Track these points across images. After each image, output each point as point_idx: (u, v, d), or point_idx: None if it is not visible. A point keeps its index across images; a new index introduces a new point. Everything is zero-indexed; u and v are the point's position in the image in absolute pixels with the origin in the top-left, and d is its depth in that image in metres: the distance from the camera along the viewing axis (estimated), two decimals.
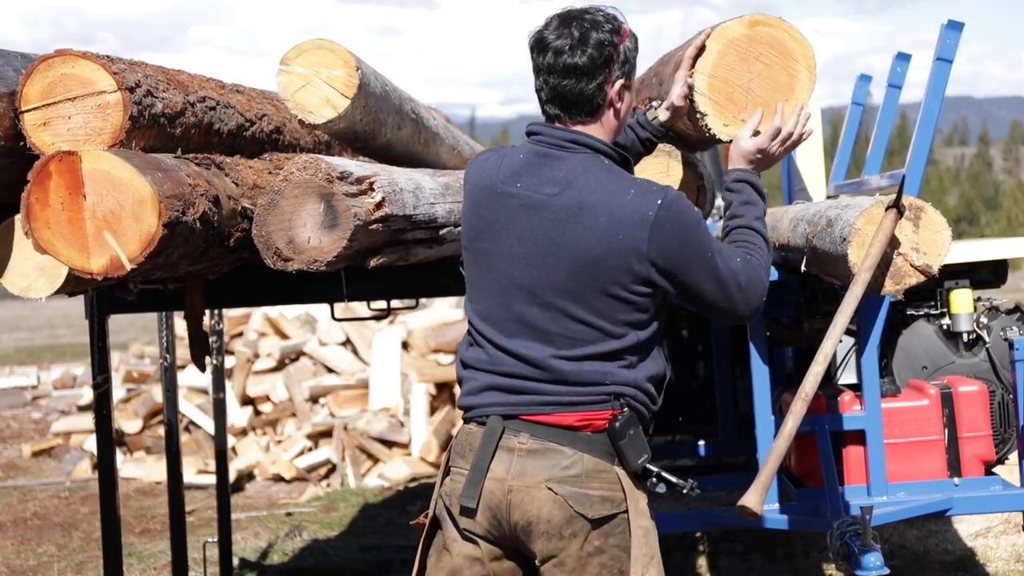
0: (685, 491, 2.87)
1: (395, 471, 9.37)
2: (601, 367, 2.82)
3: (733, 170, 3.13)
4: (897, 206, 3.29)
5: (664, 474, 2.86)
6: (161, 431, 9.06)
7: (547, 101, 2.85)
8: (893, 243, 3.31)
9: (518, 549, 2.87)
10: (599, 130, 2.85)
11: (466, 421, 2.92)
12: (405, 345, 10.56)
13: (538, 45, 2.83)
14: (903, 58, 5.82)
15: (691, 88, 3.23)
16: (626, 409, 2.83)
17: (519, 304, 2.81)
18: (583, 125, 2.84)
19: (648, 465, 2.86)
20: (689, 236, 2.78)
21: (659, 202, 2.75)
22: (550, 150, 2.84)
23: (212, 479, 7.80)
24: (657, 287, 2.79)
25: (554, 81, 2.81)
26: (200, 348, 3.90)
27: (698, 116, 3.19)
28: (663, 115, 3.27)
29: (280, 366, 10.48)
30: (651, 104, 3.30)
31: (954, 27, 4.52)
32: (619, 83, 2.84)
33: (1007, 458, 4.89)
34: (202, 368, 4.08)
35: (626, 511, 2.83)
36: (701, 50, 3.22)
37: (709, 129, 3.18)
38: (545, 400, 2.82)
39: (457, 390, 10.02)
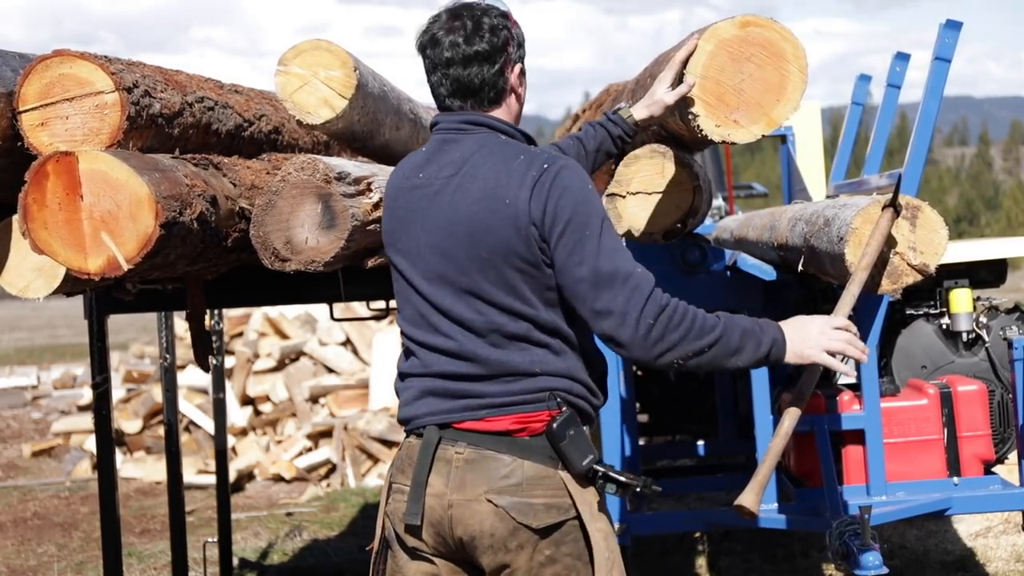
0: (639, 489, 2.75)
1: None
2: (527, 354, 2.71)
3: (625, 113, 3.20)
4: (894, 205, 3.28)
5: (612, 474, 2.74)
6: (161, 431, 9.06)
7: (449, 95, 2.80)
8: (890, 242, 3.31)
9: (470, 562, 2.77)
10: (504, 115, 2.82)
11: (406, 435, 2.83)
12: None
13: (431, 42, 2.80)
14: (902, 58, 5.82)
15: (691, 87, 3.21)
16: (564, 408, 2.71)
17: (437, 297, 2.74)
18: (487, 113, 2.81)
19: (595, 466, 2.73)
20: (570, 198, 2.66)
21: (545, 165, 2.68)
22: (448, 135, 2.81)
23: (212, 479, 7.80)
24: (548, 249, 2.66)
25: (455, 72, 2.78)
26: (203, 348, 3.90)
27: (690, 116, 3.19)
28: (639, 113, 3.25)
29: (280, 366, 10.48)
30: (623, 104, 3.30)
31: (953, 27, 4.52)
32: (517, 67, 2.83)
33: (1006, 457, 4.89)
34: (206, 368, 4.08)
35: (576, 516, 2.72)
36: (691, 53, 3.21)
37: (701, 130, 3.18)
38: (479, 404, 2.72)
39: None
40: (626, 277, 2.63)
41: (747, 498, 2.90)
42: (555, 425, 2.69)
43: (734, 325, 2.69)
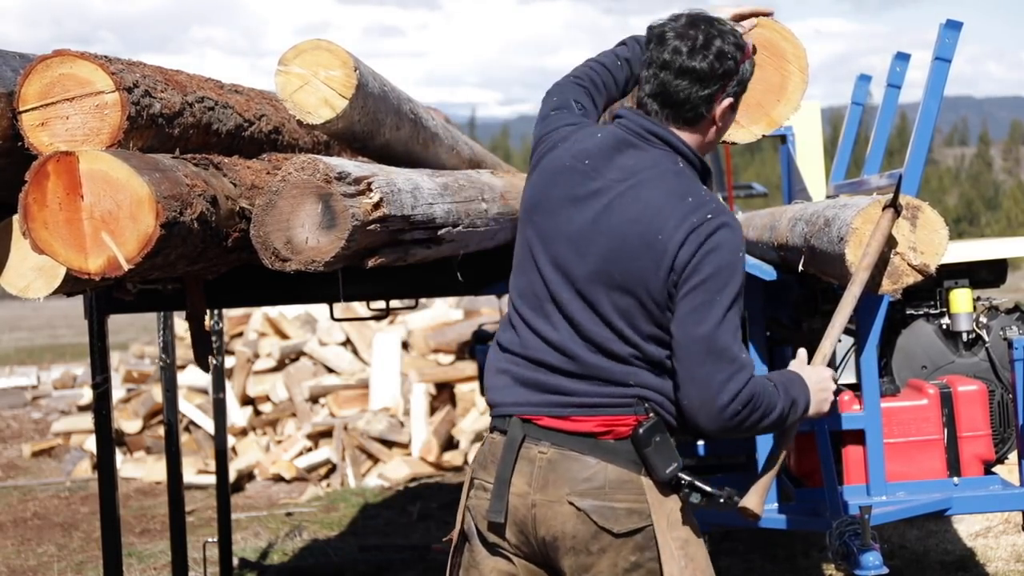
0: (722, 500, 2.71)
1: (395, 471, 9.37)
2: (626, 368, 2.67)
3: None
4: (894, 205, 3.28)
5: (698, 483, 2.68)
6: (161, 431, 9.06)
7: (650, 95, 2.73)
8: (891, 243, 3.31)
9: (551, 564, 2.74)
10: (693, 139, 2.75)
11: (492, 422, 2.79)
12: (405, 345, 10.57)
13: (659, 39, 2.72)
14: (902, 58, 5.82)
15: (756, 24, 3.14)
16: (651, 415, 2.67)
17: (556, 286, 2.70)
18: (678, 130, 2.73)
19: (680, 474, 2.68)
20: (718, 258, 2.60)
21: (708, 216, 2.62)
22: (628, 136, 2.73)
23: (212, 479, 7.80)
24: (674, 295, 2.62)
25: (665, 77, 2.70)
26: (203, 348, 3.90)
27: None
28: None
29: (280, 366, 10.48)
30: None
31: (953, 27, 4.52)
32: (727, 101, 2.74)
33: (1007, 457, 4.89)
34: (205, 368, 4.08)
35: (652, 524, 2.67)
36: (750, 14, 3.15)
37: None
38: (567, 401, 2.69)
39: (461, 388, 10.05)
40: (734, 359, 2.63)
41: (751, 500, 2.90)
42: (641, 430, 2.65)
43: (788, 397, 2.73)
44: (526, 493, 2.69)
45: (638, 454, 2.66)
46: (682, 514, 2.73)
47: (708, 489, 2.68)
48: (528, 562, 2.75)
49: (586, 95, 3.03)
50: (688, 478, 2.68)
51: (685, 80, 2.70)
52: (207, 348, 3.92)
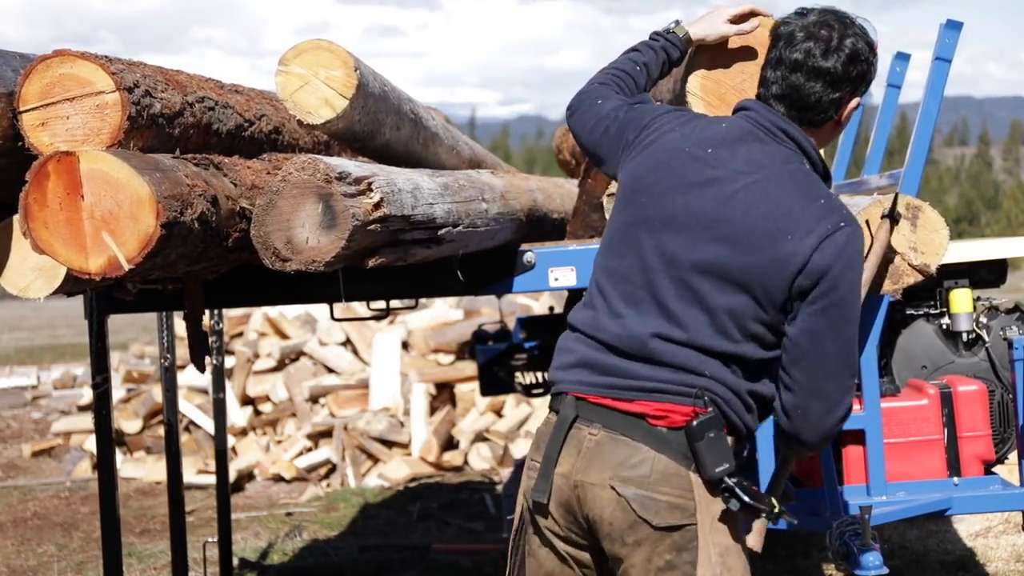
0: (765, 514, 2.61)
1: (395, 471, 9.37)
2: (703, 360, 2.57)
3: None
4: (892, 215, 3.28)
5: (739, 490, 2.56)
6: (161, 431, 9.06)
7: (778, 96, 2.66)
8: (889, 251, 3.31)
9: (599, 548, 2.66)
10: (818, 138, 2.69)
11: (550, 402, 2.72)
12: (405, 345, 10.57)
13: (788, 39, 2.64)
14: (902, 58, 5.82)
15: (755, 27, 3.07)
16: (711, 408, 2.56)
17: (652, 271, 2.60)
18: (804, 130, 2.67)
19: (726, 477, 2.56)
20: (851, 272, 2.55)
21: (841, 224, 2.55)
22: (756, 130, 2.64)
23: (212, 479, 7.80)
24: (797, 302, 2.55)
25: (796, 79, 2.62)
26: (199, 348, 3.89)
27: None
28: (694, 31, 3.08)
29: (280, 366, 10.48)
30: (675, 20, 3.14)
31: (953, 27, 4.52)
32: (855, 100, 2.67)
33: (1007, 457, 4.89)
34: (201, 369, 4.07)
35: (696, 524, 2.57)
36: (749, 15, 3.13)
37: None
38: (628, 384, 2.59)
39: (461, 388, 10.05)
40: (854, 375, 2.61)
41: (752, 539, 2.80)
42: (695, 422, 2.55)
43: None
44: (569, 473, 2.61)
45: (690, 447, 2.56)
46: (728, 518, 2.62)
47: (747, 499, 2.56)
48: (578, 549, 2.67)
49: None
50: (731, 482, 2.57)
51: (818, 83, 2.62)
52: (204, 349, 3.91)
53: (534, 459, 2.71)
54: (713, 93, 3.16)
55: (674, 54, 3.07)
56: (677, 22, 3.12)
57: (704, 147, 2.64)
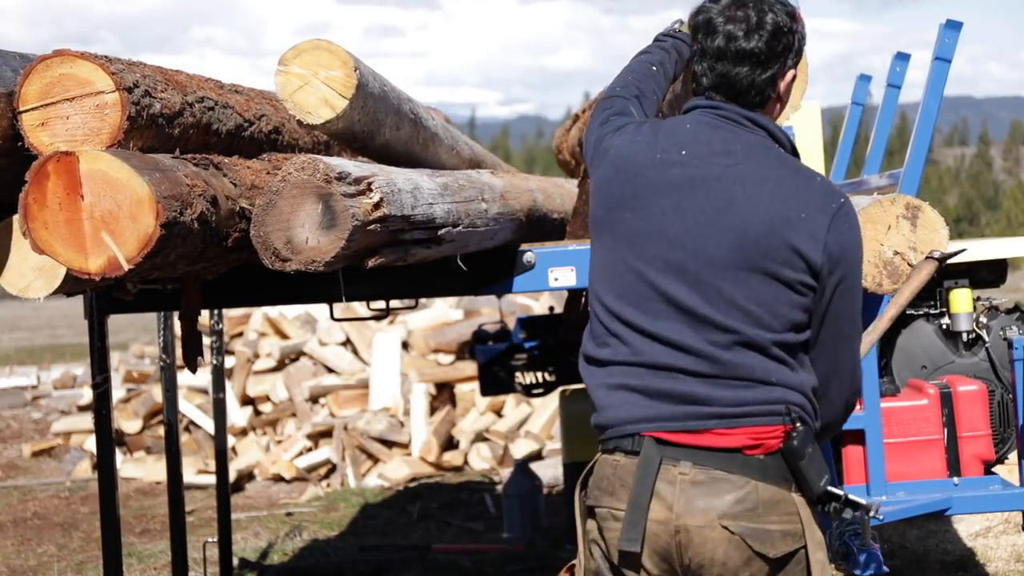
0: (871, 513, 2.58)
1: (395, 471, 9.37)
2: (764, 363, 2.48)
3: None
4: (941, 260, 3.23)
5: (852, 496, 2.51)
6: (161, 431, 9.06)
7: (711, 87, 2.60)
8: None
9: None
10: (767, 117, 2.64)
11: (606, 443, 2.56)
12: (405, 345, 10.57)
13: (707, 26, 2.58)
14: (902, 58, 5.82)
15: None
16: (799, 424, 2.47)
17: (667, 283, 2.51)
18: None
19: (831, 488, 2.50)
20: (857, 246, 2.56)
21: (842, 200, 2.53)
22: (724, 123, 2.59)
23: (212, 479, 7.80)
24: (819, 281, 2.50)
25: (723, 68, 2.56)
26: (192, 349, 3.89)
27: None
28: None
29: (280, 366, 10.48)
30: (679, 20, 3.08)
31: (953, 27, 4.52)
32: (790, 73, 2.62)
33: (1007, 457, 4.89)
34: (192, 369, 4.06)
35: (805, 545, 2.49)
36: None
37: None
38: (706, 412, 2.48)
39: (461, 388, 10.05)
40: (858, 348, 2.63)
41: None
42: (795, 442, 2.46)
43: None
44: (668, 519, 2.47)
45: (790, 469, 2.48)
46: (822, 532, 2.56)
47: (861, 501, 2.52)
48: None
49: (637, 105, 2.88)
50: (840, 492, 2.51)
51: (745, 66, 2.56)
52: (198, 349, 3.91)
53: (608, 506, 2.55)
54: None
55: (685, 52, 3.01)
56: (681, 22, 3.08)
57: (677, 150, 2.58)
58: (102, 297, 4.08)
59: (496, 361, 7.33)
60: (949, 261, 3.23)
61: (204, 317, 4.39)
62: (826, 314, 2.54)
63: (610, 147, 2.67)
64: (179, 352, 6.17)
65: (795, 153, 2.66)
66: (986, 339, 5.00)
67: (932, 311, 5.07)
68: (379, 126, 3.59)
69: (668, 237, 2.53)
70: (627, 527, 2.49)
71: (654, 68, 2.98)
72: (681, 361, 2.50)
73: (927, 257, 3.22)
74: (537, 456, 9.54)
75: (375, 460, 9.60)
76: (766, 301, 2.49)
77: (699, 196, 2.54)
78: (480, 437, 9.83)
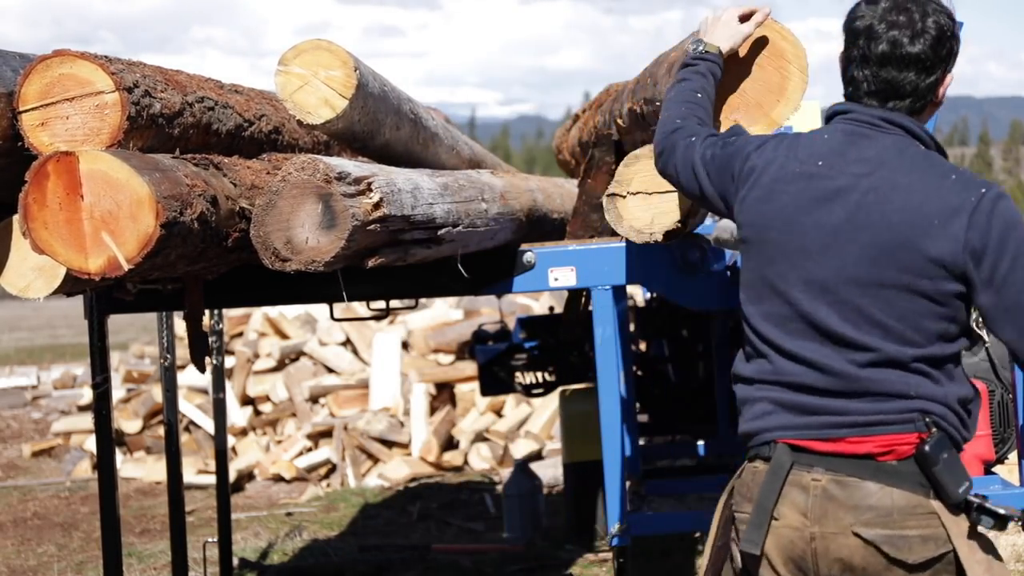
0: (1016, 520, 2.53)
1: (395, 471, 9.37)
2: (904, 378, 2.47)
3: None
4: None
5: (988, 506, 2.48)
6: (161, 431, 9.05)
7: (869, 94, 2.54)
8: None
9: None
10: (919, 120, 2.58)
11: (748, 453, 2.60)
12: (405, 345, 10.57)
13: (867, 32, 2.51)
14: None
15: (767, 15, 3.04)
16: (935, 429, 2.45)
17: (806, 302, 2.50)
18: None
19: (969, 497, 2.47)
20: (1011, 235, 2.43)
21: (983, 191, 2.45)
22: (859, 128, 2.54)
23: (212, 479, 7.80)
24: (970, 286, 2.45)
25: (887, 74, 2.50)
26: (199, 349, 3.89)
27: None
28: (723, 46, 3.02)
29: (280, 366, 10.48)
30: (697, 40, 3.08)
31: None
32: (949, 76, 2.55)
33: (1007, 458, 4.89)
34: (202, 369, 4.07)
35: (953, 550, 2.48)
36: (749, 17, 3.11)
37: None
38: (839, 421, 2.48)
39: (461, 388, 10.05)
40: None
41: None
42: (927, 447, 2.44)
43: None
44: (803, 526, 2.49)
45: (925, 475, 2.46)
46: (978, 533, 2.55)
47: (1001, 512, 2.49)
48: None
49: (706, 130, 2.89)
50: (977, 500, 2.48)
51: (911, 72, 2.51)
52: (204, 349, 3.91)
53: (743, 511, 2.59)
54: None
55: (718, 73, 3.02)
56: (699, 41, 3.06)
57: (814, 162, 2.55)
58: (102, 297, 4.08)
59: (496, 361, 7.34)
60: None
61: (205, 317, 4.38)
62: (1001, 289, 2.47)
63: (755, 166, 2.63)
64: (179, 352, 6.19)
65: (939, 149, 2.60)
66: (986, 339, 5.00)
67: None
68: (379, 126, 3.59)
69: (810, 255, 2.52)
70: (749, 529, 2.52)
71: (699, 95, 2.96)
72: (820, 381, 2.51)
73: None
74: (537, 456, 9.54)
75: (375, 460, 9.59)
76: (907, 316, 2.47)
77: (836, 210, 2.51)
78: (480, 437, 9.83)
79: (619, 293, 5.50)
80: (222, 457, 6.36)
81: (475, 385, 8.69)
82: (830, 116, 2.64)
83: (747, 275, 2.63)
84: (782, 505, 2.51)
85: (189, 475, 8.98)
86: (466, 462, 9.68)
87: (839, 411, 2.50)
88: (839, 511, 2.47)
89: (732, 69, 3.14)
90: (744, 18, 3.08)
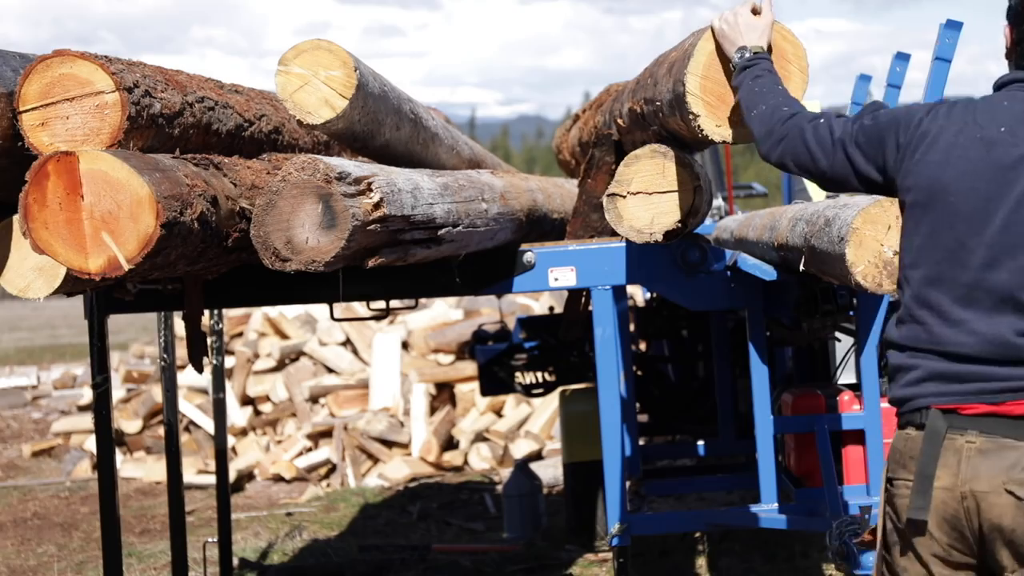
0: None
1: (395, 471, 9.37)
2: None
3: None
4: None
5: None
6: (161, 431, 9.06)
7: None
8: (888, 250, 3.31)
9: (987, 562, 2.57)
10: None
11: (900, 419, 2.64)
12: (405, 345, 10.57)
13: None
14: (902, 58, 5.82)
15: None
16: None
17: (985, 268, 2.53)
18: None
19: None
20: None
21: None
22: None
23: (212, 479, 7.80)
24: None
25: None
26: (197, 349, 3.89)
27: (690, 117, 3.18)
28: (762, 43, 3.07)
29: (280, 366, 10.48)
30: (739, 49, 3.10)
31: (953, 27, 4.52)
32: None
33: None
34: (199, 369, 4.07)
35: None
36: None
37: (702, 130, 3.17)
38: (999, 387, 2.52)
39: (461, 388, 10.06)
40: None
41: None
42: None
43: None
44: (954, 485, 2.53)
45: None
46: None
47: None
48: (954, 569, 2.59)
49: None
50: None
51: None
52: (202, 349, 3.91)
53: (902, 478, 2.62)
54: (713, 93, 3.16)
55: (774, 69, 3.06)
56: (742, 49, 3.08)
57: (995, 127, 2.57)
58: (102, 297, 4.08)
59: (496, 361, 7.34)
60: None
61: (204, 317, 4.39)
62: None
63: (928, 130, 2.63)
64: (180, 352, 6.20)
65: None
66: None
67: None
68: (379, 126, 3.59)
69: (991, 220, 2.54)
70: (915, 496, 2.55)
71: (780, 87, 3.00)
72: (980, 349, 2.54)
73: None
74: (537, 456, 9.54)
75: (375, 460, 9.59)
76: None
77: (1020, 177, 2.54)
78: (480, 437, 9.83)
79: (619, 293, 5.51)
80: (222, 457, 6.36)
81: (475, 385, 8.69)
82: (1001, 85, 2.66)
83: (917, 239, 2.64)
84: (938, 468, 2.55)
85: (189, 475, 8.98)
86: (466, 462, 9.68)
87: (998, 377, 2.53)
88: (992, 470, 2.51)
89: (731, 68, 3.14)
90: (755, 12, 3.09)
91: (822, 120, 2.82)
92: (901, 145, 2.67)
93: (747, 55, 3.06)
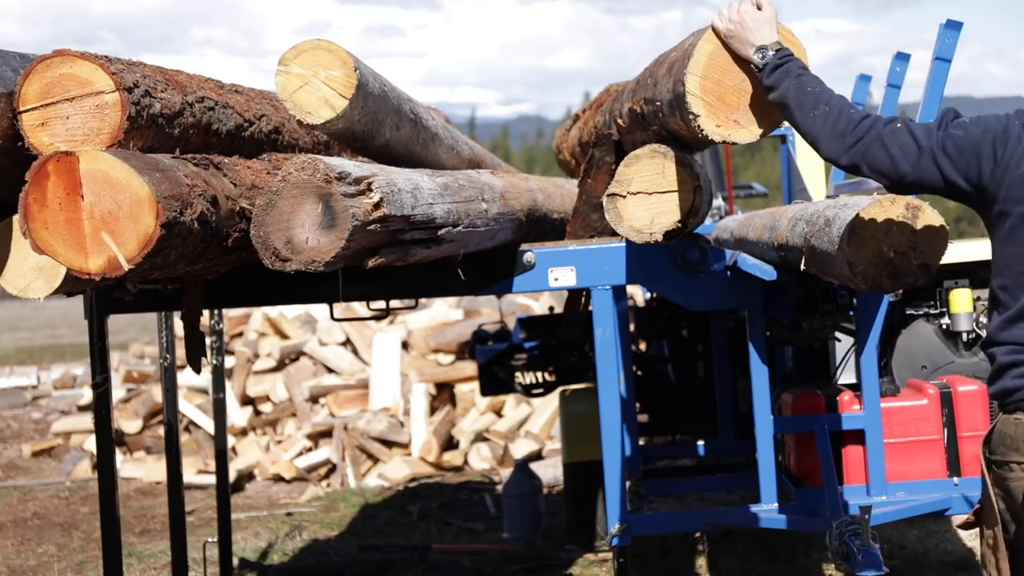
0: None
1: (395, 471, 9.37)
2: None
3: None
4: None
5: None
6: (161, 431, 9.06)
7: None
8: (889, 250, 3.31)
9: None
10: None
11: (1006, 407, 2.80)
12: (405, 345, 10.57)
13: None
14: (902, 58, 5.82)
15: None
16: None
17: None
18: None
19: None
20: None
21: None
22: None
23: (212, 479, 7.80)
24: None
25: None
26: (195, 349, 3.89)
27: (690, 116, 3.18)
28: (774, 35, 3.08)
29: (280, 366, 10.48)
30: (759, 49, 3.09)
31: (953, 27, 4.52)
32: None
33: None
34: (197, 370, 4.07)
35: None
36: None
37: (701, 130, 3.17)
38: None
39: (461, 388, 10.05)
40: None
41: None
42: None
43: None
44: None
45: None
46: None
47: None
48: None
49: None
50: None
51: None
52: (200, 349, 3.91)
53: (1015, 460, 2.77)
54: (713, 93, 3.15)
55: (805, 65, 3.08)
56: (762, 48, 3.07)
57: None
58: (102, 297, 4.08)
59: (496, 361, 7.34)
60: None
61: (204, 317, 4.39)
62: None
63: (1016, 136, 2.78)
64: (179, 352, 6.19)
65: None
66: None
67: (932, 311, 5.07)
68: (379, 126, 3.59)
69: None
70: None
71: (828, 86, 3.02)
72: None
73: None
74: (537, 456, 9.54)
75: (375, 460, 9.59)
76: None
77: None
78: (480, 437, 9.83)
79: (619, 293, 5.51)
80: (222, 457, 6.36)
81: (475, 385, 8.69)
82: None
83: (1008, 246, 2.79)
84: None
85: (189, 475, 8.98)
86: (466, 462, 9.67)
87: None
88: None
89: (733, 69, 3.14)
90: (756, 6, 3.09)
91: (899, 125, 2.90)
92: (1000, 158, 2.79)
93: (770, 54, 3.06)
